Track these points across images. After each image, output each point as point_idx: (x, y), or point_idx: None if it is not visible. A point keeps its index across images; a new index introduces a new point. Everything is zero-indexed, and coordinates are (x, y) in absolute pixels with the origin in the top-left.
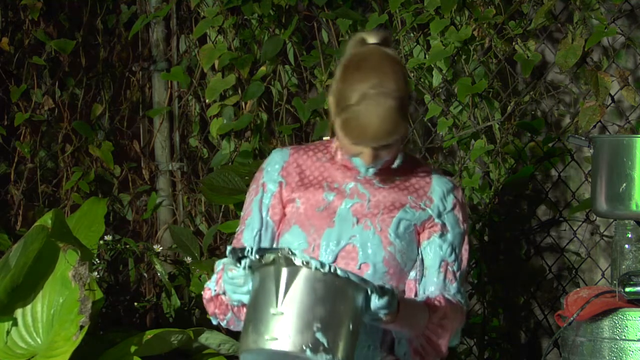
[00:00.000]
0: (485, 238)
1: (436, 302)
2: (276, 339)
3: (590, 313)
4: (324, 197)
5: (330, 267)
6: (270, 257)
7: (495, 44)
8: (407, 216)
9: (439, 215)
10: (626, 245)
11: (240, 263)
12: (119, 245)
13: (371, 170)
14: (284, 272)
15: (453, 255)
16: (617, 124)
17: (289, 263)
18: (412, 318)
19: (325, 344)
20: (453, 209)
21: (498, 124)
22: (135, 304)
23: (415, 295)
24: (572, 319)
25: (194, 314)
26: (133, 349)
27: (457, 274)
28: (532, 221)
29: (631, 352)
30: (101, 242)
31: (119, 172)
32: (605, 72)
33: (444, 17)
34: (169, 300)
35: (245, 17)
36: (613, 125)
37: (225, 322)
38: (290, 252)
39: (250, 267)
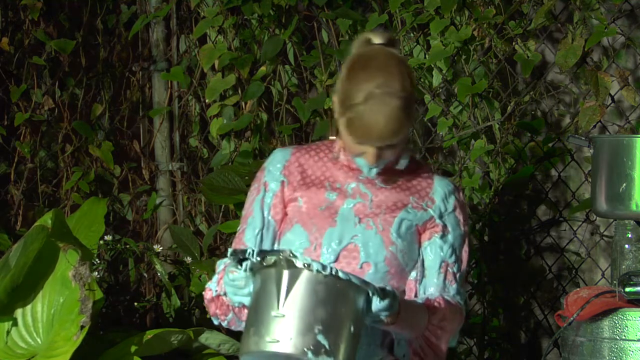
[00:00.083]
0: (485, 238)
1: (435, 304)
2: (277, 341)
3: (590, 313)
4: (326, 196)
5: (331, 269)
6: (271, 259)
7: (495, 44)
8: (409, 216)
9: (441, 216)
10: (626, 245)
11: (241, 265)
12: (119, 245)
13: (374, 171)
14: (286, 274)
15: (453, 257)
16: (617, 124)
17: (291, 265)
18: (412, 319)
19: (327, 346)
20: (454, 210)
21: (498, 124)
22: (135, 304)
23: (416, 295)
24: (572, 319)
25: (194, 314)
26: (133, 349)
27: (457, 275)
28: (532, 221)
29: (631, 352)
30: (101, 242)
31: (119, 172)
32: (605, 72)
33: (444, 17)
34: (169, 300)
35: (245, 17)
36: (613, 125)
37: (226, 322)
38: (291, 254)
39: (251, 269)
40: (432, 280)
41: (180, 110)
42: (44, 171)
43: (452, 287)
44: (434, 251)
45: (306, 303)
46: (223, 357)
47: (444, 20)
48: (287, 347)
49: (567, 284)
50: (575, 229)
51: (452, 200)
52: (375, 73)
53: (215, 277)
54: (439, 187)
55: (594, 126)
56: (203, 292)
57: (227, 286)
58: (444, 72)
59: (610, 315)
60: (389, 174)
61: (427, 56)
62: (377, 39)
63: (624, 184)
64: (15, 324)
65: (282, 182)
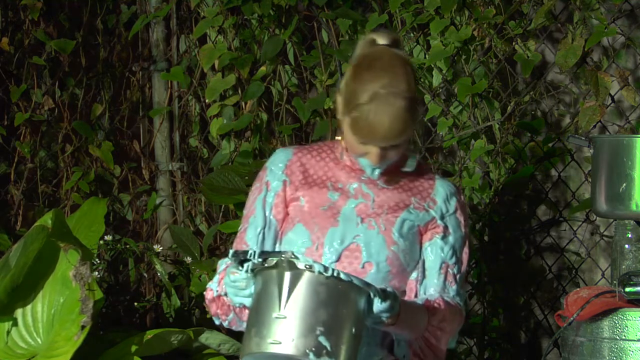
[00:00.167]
0: (485, 238)
1: (435, 305)
2: (279, 342)
3: (590, 313)
4: (328, 196)
5: (333, 270)
6: (273, 260)
7: (495, 44)
8: (411, 217)
9: (442, 217)
10: (626, 245)
11: (242, 266)
12: (119, 245)
13: (377, 171)
14: (287, 275)
15: (454, 258)
16: (617, 124)
17: (292, 266)
18: (412, 321)
19: (328, 348)
20: (455, 211)
21: (498, 124)
22: (135, 304)
23: (416, 295)
24: (572, 319)
25: (194, 314)
26: (133, 349)
27: (457, 277)
28: (532, 221)
29: (631, 352)
30: (101, 242)
31: (119, 172)
32: (605, 72)
33: (444, 17)
34: (169, 300)
35: (245, 17)
36: (613, 125)
37: (227, 322)
38: (293, 256)
39: (252, 270)
40: (432, 280)
41: (180, 110)
42: (44, 171)
43: (452, 288)
44: (434, 252)
45: (308, 304)
46: (223, 357)
47: (444, 20)
48: (289, 348)
49: (567, 284)
50: (575, 229)
51: (453, 202)
52: (380, 73)
53: (217, 277)
54: (440, 188)
55: (594, 126)
56: (204, 292)
57: (228, 287)
58: (444, 72)
59: (610, 315)
60: (391, 175)
61: (427, 56)
62: (381, 40)
63: (624, 184)
64: (15, 324)
65: (284, 181)
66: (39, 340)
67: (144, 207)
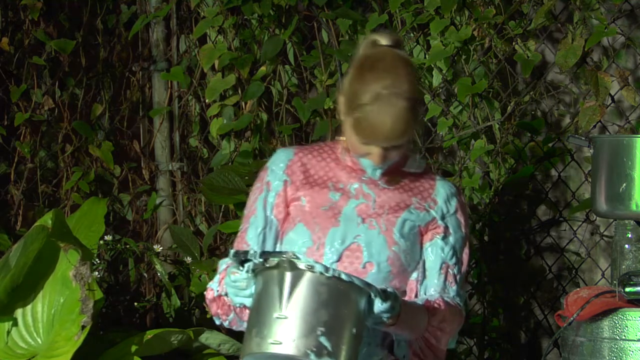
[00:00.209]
0: (485, 238)
1: (435, 305)
2: (280, 342)
3: (590, 313)
4: (329, 196)
5: (334, 271)
6: (274, 260)
7: (495, 44)
8: (412, 217)
9: (443, 218)
10: (626, 245)
11: (243, 266)
12: (119, 245)
13: (379, 172)
14: (288, 275)
15: (454, 258)
16: (617, 124)
17: (293, 267)
18: (412, 321)
19: (329, 348)
20: (456, 212)
21: (498, 124)
22: (135, 304)
23: (416, 295)
24: (572, 319)
25: (194, 314)
26: (133, 348)
27: (457, 277)
28: (532, 221)
29: (631, 352)
30: (101, 242)
31: (119, 172)
32: (605, 72)
33: (444, 17)
34: (169, 300)
35: (245, 17)
36: (613, 125)
37: (227, 322)
38: (294, 256)
39: (253, 270)
40: (433, 281)
41: (180, 110)
42: (44, 171)
43: (452, 289)
44: (435, 252)
45: (309, 305)
46: (223, 357)
47: (444, 20)
48: (290, 348)
49: (567, 284)
50: (575, 229)
51: (454, 202)
52: (382, 74)
53: (217, 277)
54: (441, 188)
55: (594, 126)
56: (204, 292)
57: (228, 287)
58: (444, 72)
59: (610, 315)
60: (392, 175)
61: (427, 56)
62: (384, 41)
63: (624, 184)
64: (15, 324)
65: (285, 181)
66: (39, 340)
67: (144, 207)
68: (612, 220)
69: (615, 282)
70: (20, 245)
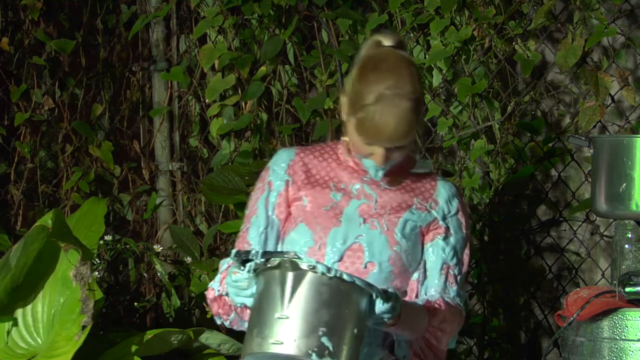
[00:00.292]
0: (485, 238)
1: (436, 305)
2: (281, 342)
3: (590, 313)
4: (331, 196)
5: (336, 271)
6: (275, 260)
7: (495, 44)
8: (413, 217)
9: (444, 218)
10: (626, 245)
11: (244, 266)
12: (119, 245)
13: (381, 172)
14: (290, 275)
15: (455, 259)
16: (617, 124)
17: (295, 267)
18: (413, 321)
19: (331, 348)
20: (457, 213)
21: (498, 124)
22: (135, 304)
23: (417, 296)
24: (572, 319)
25: (194, 314)
26: (133, 348)
27: (458, 278)
28: (532, 221)
29: (631, 352)
30: (101, 242)
31: (119, 172)
32: (605, 72)
33: (444, 17)
34: (169, 300)
35: (245, 17)
36: (613, 125)
37: (228, 322)
38: (296, 256)
39: (254, 270)
40: (433, 281)
41: (180, 110)
42: (44, 171)
43: (453, 289)
44: (435, 253)
45: (310, 305)
46: (223, 357)
47: (444, 20)
48: (291, 348)
49: (567, 284)
50: (575, 229)
51: (455, 203)
52: (385, 75)
53: (218, 277)
54: (442, 189)
55: (594, 126)
56: (205, 292)
57: (229, 287)
58: (444, 72)
59: (610, 315)
60: (393, 176)
61: (427, 56)
62: (387, 41)
63: (624, 184)
64: (15, 324)
65: (287, 181)
66: (39, 340)
67: (144, 207)
68: (612, 220)
69: (615, 282)
70: (20, 245)
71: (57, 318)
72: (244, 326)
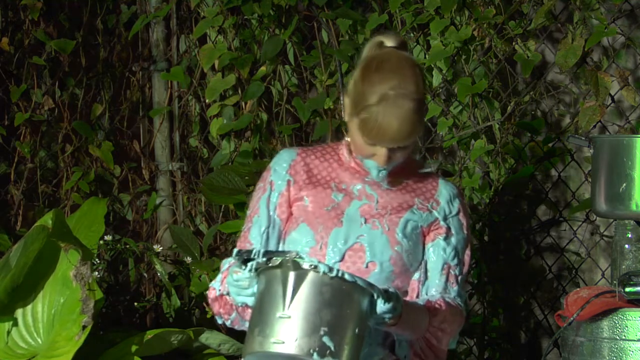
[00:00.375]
0: (485, 238)
1: (436, 306)
2: (282, 342)
3: (590, 313)
4: (332, 197)
5: (337, 271)
6: (277, 260)
7: (495, 44)
8: (415, 217)
9: (445, 219)
10: (626, 245)
11: (245, 265)
12: (119, 245)
13: (383, 173)
14: (292, 275)
15: (456, 259)
16: (617, 124)
17: (297, 266)
18: (414, 321)
19: (332, 348)
20: (458, 213)
21: (498, 124)
22: (135, 304)
23: (418, 296)
24: (572, 319)
25: (194, 314)
26: (133, 348)
27: (459, 278)
28: (532, 221)
29: (631, 352)
30: (101, 242)
31: (119, 172)
32: (605, 72)
33: (444, 17)
34: (169, 300)
35: (245, 17)
36: (613, 125)
37: (229, 321)
38: (297, 256)
39: (256, 269)
40: (434, 281)
41: (180, 110)
42: (44, 171)
43: (453, 289)
44: (436, 253)
45: (312, 304)
46: (223, 357)
47: (444, 20)
48: (292, 348)
49: (567, 284)
50: (575, 229)
51: (456, 204)
52: (389, 75)
53: (219, 276)
54: (443, 189)
55: (594, 126)
56: (206, 292)
57: (230, 286)
58: (444, 72)
59: (610, 315)
60: (395, 176)
61: (427, 56)
62: (389, 42)
63: (624, 184)
64: (15, 324)
65: (288, 181)
66: (39, 340)
67: (144, 207)
68: (612, 220)
69: (615, 282)
70: (20, 245)
71: (57, 318)
72: (245, 326)
